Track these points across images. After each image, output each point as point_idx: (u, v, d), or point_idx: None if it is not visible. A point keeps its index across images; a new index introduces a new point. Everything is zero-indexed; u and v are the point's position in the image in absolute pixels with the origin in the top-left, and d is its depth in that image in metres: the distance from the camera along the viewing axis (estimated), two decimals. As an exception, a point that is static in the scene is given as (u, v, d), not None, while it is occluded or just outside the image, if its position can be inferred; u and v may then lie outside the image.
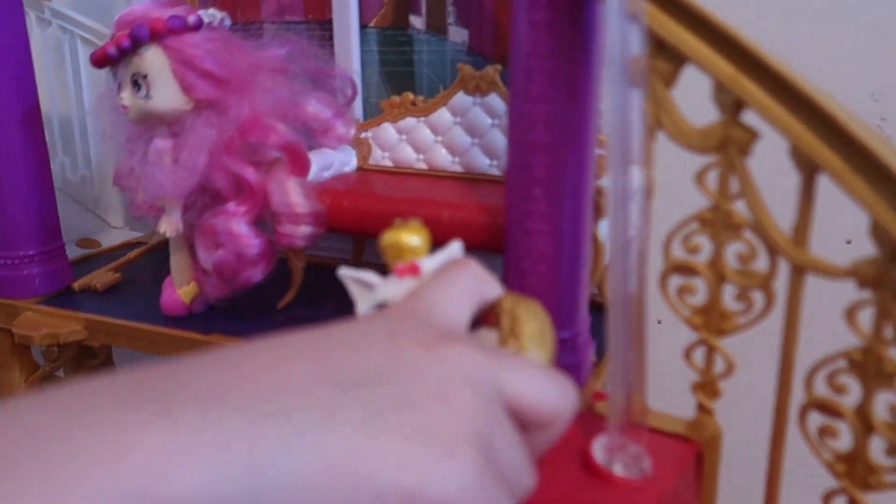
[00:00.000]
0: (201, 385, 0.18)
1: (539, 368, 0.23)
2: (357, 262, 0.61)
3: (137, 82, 0.44)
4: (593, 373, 0.41)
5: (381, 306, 0.26)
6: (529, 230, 0.37)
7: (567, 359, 0.39)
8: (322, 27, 0.61)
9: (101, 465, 0.16)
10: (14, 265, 0.55)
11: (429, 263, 0.27)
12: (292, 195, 0.46)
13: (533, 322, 0.25)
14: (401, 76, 0.59)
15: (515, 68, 0.35)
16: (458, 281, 0.24)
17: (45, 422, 0.16)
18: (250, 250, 0.46)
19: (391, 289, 0.26)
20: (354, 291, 0.27)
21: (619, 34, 0.28)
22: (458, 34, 0.57)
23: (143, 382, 0.18)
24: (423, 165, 0.56)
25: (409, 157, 0.57)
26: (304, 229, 0.47)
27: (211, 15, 0.45)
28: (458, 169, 0.55)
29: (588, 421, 0.37)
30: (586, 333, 0.40)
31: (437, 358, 0.20)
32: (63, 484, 0.15)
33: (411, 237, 0.27)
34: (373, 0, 0.58)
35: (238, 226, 0.46)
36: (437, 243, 0.46)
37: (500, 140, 0.53)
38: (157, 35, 0.43)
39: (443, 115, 0.54)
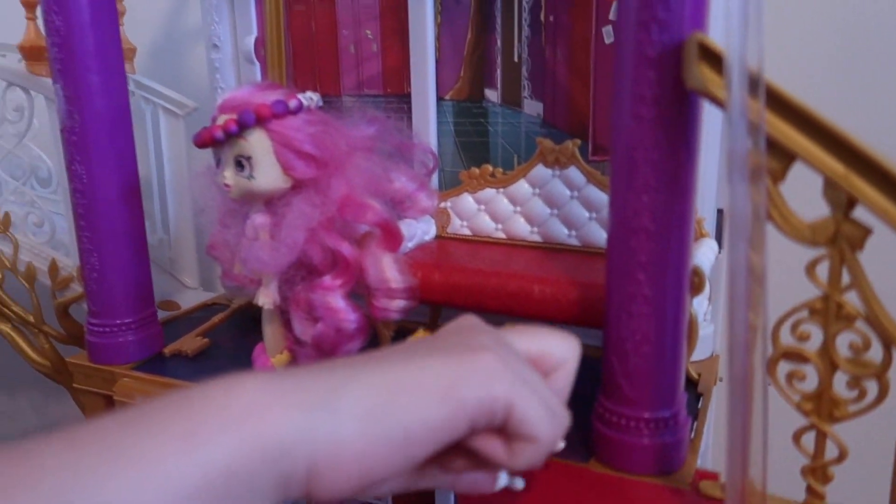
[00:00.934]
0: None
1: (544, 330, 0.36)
2: (434, 326, 0.63)
3: (241, 163, 0.47)
4: (690, 449, 0.42)
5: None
6: (632, 312, 0.38)
7: (668, 437, 0.39)
8: (400, 100, 0.63)
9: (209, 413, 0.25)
10: (111, 333, 0.57)
11: None
12: (387, 270, 0.48)
13: None
14: (476, 147, 0.62)
15: (618, 158, 0.37)
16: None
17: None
18: (348, 325, 0.48)
19: None
20: None
21: (737, 133, 0.29)
22: (532, 107, 0.59)
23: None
24: (501, 235, 0.58)
25: (488, 226, 0.58)
26: (399, 303, 0.48)
27: (309, 98, 0.48)
28: (537, 238, 0.57)
29: (692, 500, 0.38)
30: (684, 411, 0.41)
31: (482, 358, 0.30)
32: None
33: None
34: (449, 74, 0.61)
35: (335, 300, 0.48)
36: (528, 317, 0.48)
37: (579, 212, 0.55)
38: (262, 120, 0.45)
39: (521, 187, 0.56)
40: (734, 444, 0.32)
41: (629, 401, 0.39)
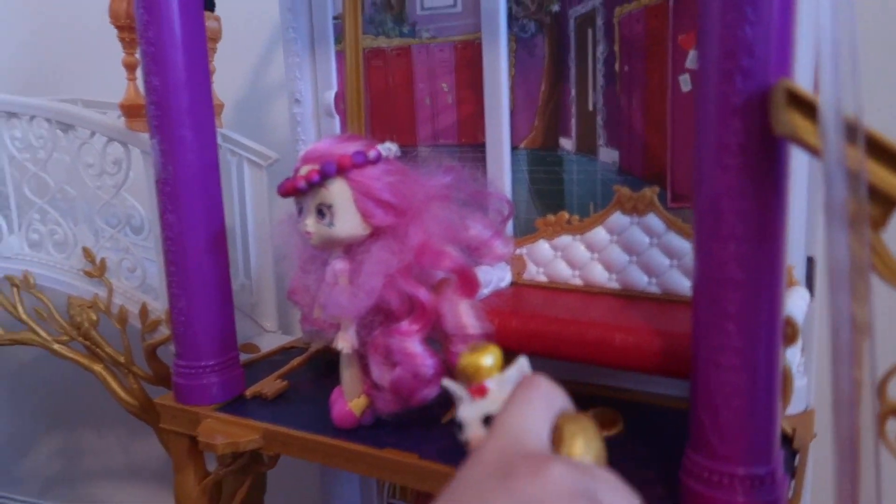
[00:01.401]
0: None
1: (622, 484, 0.28)
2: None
3: (322, 211, 0.48)
4: (786, 509, 0.40)
5: (459, 425, 0.34)
6: (721, 365, 0.37)
7: (765, 496, 0.38)
8: (474, 150, 0.64)
9: None
10: (196, 374, 0.59)
11: (495, 383, 0.33)
12: (464, 316, 0.48)
13: (581, 437, 0.29)
14: (550, 194, 0.62)
15: (702, 207, 0.37)
16: (533, 400, 0.29)
17: None
18: (426, 370, 0.48)
19: (465, 409, 0.34)
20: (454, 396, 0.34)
21: (834, 181, 0.29)
22: (608, 155, 0.59)
23: None
24: (578, 281, 0.58)
25: (565, 273, 0.58)
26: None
27: (387, 149, 0.49)
28: (615, 286, 0.56)
29: (789, 564, 0.36)
30: (781, 469, 0.39)
31: (545, 481, 0.24)
32: None
33: (485, 357, 0.33)
34: (523, 124, 0.62)
35: (413, 345, 0.48)
36: (607, 367, 0.47)
37: (659, 259, 0.54)
38: (343, 170, 0.47)
39: (599, 234, 0.56)
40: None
41: (721, 457, 0.38)
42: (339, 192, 0.48)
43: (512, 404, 0.29)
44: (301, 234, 0.51)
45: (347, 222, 0.48)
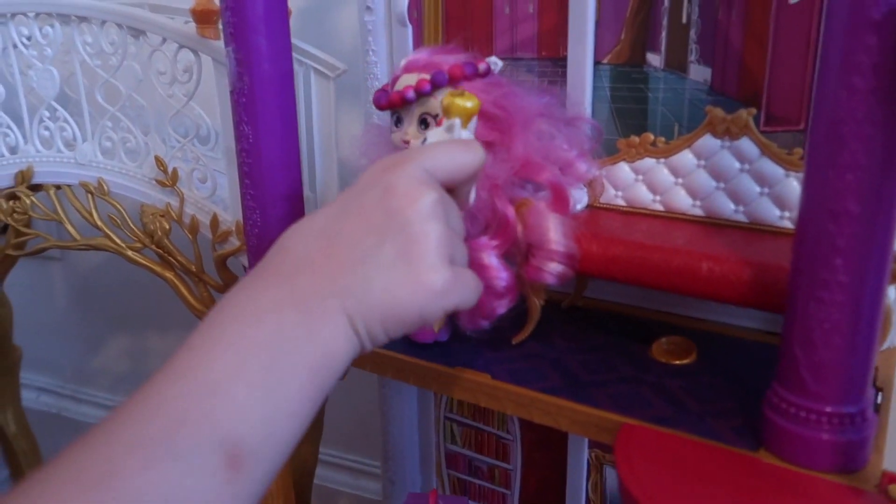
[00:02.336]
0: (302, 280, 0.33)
1: (448, 144, 0.41)
2: (578, 298, 0.61)
3: (426, 121, 0.47)
4: (875, 449, 0.39)
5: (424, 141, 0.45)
6: (824, 300, 0.35)
7: (853, 434, 0.37)
8: (555, 63, 0.61)
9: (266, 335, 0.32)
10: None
11: (447, 125, 0.44)
12: (552, 231, 0.47)
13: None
14: (633, 114, 0.59)
15: (819, 132, 0.34)
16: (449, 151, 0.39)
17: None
18: (499, 282, 0.47)
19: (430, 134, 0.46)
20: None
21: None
22: (699, 72, 0.55)
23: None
24: (658, 207, 0.56)
25: (645, 197, 0.56)
26: (556, 266, 0.47)
27: (494, 63, 0.47)
28: (699, 212, 0.54)
29: (879, 502, 0.35)
30: (871, 409, 0.37)
31: (413, 202, 0.34)
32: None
33: (464, 101, 0.43)
34: (608, 37, 0.58)
35: (489, 258, 0.47)
36: (693, 295, 0.46)
37: (749, 186, 0.51)
38: (453, 80, 0.45)
39: (685, 157, 0.53)
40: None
41: (812, 394, 0.37)
42: None
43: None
44: (394, 144, 0.50)
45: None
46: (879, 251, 0.34)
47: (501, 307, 0.49)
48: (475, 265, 0.48)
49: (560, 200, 0.48)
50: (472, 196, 0.43)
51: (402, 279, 0.33)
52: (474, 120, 0.44)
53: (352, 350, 0.34)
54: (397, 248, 0.33)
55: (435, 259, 0.34)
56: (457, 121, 0.43)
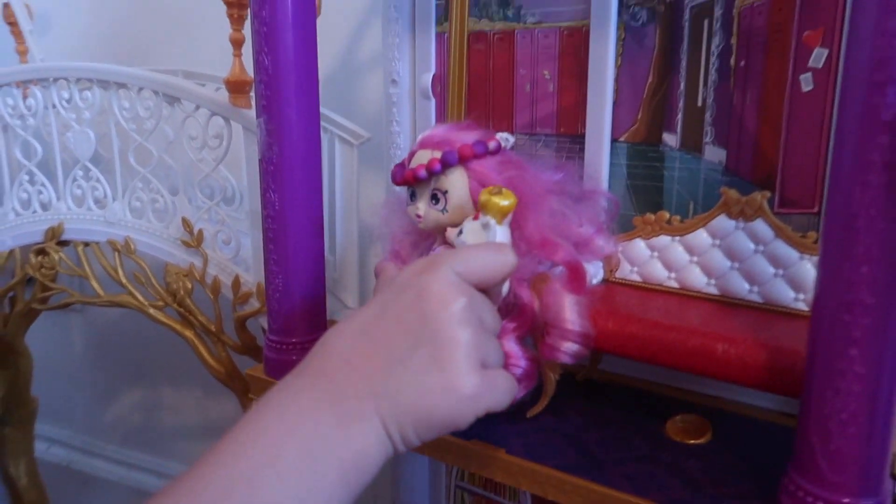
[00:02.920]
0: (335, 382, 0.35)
1: (480, 248, 0.42)
2: (593, 371, 0.62)
3: (437, 196, 0.48)
4: (895, 542, 0.38)
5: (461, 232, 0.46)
6: (840, 390, 0.35)
7: (872, 527, 0.36)
8: (572, 140, 0.63)
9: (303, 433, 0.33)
10: (287, 349, 0.61)
11: (482, 222, 0.44)
12: (567, 311, 0.47)
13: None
14: (649, 191, 0.60)
15: (834, 224, 0.35)
16: (482, 254, 0.41)
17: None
18: (516, 370, 0.48)
19: (465, 224, 0.46)
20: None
21: None
22: (714, 153, 0.57)
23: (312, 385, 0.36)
24: (673, 284, 0.56)
25: (660, 274, 0.57)
26: (571, 346, 0.48)
27: (505, 139, 0.49)
28: (713, 291, 0.54)
29: None
30: (890, 500, 0.37)
31: (445, 309, 0.35)
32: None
33: (500, 199, 0.43)
34: (625, 116, 0.60)
35: (508, 344, 0.48)
36: (708, 377, 0.46)
37: (763, 267, 0.52)
38: (464, 160, 0.47)
39: (700, 236, 0.54)
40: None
41: (828, 483, 0.37)
42: (456, 179, 0.48)
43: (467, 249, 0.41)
44: (410, 217, 0.51)
45: (461, 209, 0.49)
46: (895, 342, 0.34)
47: (520, 392, 0.50)
48: None
49: (576, 279, 0.48)
50: (505, 290, 0.45)
51: (434, 384, 0.34)
52: (510, 216, 0.45)
53: (384, 452, 0.35)
54: (430, 353, 0.35)
55: (465, 365, 0.35)
56: (492, 220, 0.44)
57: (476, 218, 0.45)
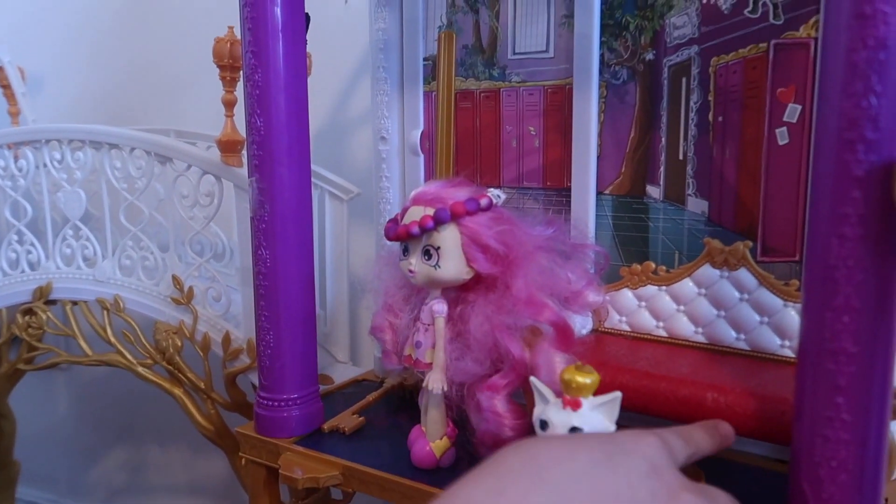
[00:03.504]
0: None
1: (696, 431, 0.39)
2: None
3: (429, 252, 0.49)
4: (891, 590, 0.38)
5: (544, 423, 0.39)
6: (829, 438, 0.36)
7: (868, 575, 0.36)
8: (559, 194, 0.65)
9: None
10: (278, 407, 0.60)
11: (589, 403, 0.39)
12: (558, 372, 0.48)
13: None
14: (635, 242, 0.61)
15: (814, 276, 0.36)
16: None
17: None
18: (507, 431, 0.48)
19: (553, 412, 0.40)
20: (536, 396, 0.40)
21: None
22: (697, 205, 0.58)
23: None
24: (662, 332, 0.57)
25: (648, 323, 0.58)
26: None
27: (496, 196, 0.50)
28: (701, 339, 0.55)
29: None
30: (885, 547, 0.37)
31: None
32: None
33: (588, 378, 0.39)
34: (610, 169, 0.62)
35: (500, 404, 0.48)
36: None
37: (748, 315, 0.53)
38: (456, 216, 0.48)
39: (686, 286, 0.55)
40: None
41: (823, 531, 0.37)
42: (449, 236, 0.49)
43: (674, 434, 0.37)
44: (402, 272, 0.52)
45: (453, 265, 0.49)
46: (880, 389, 0.35)
47: None
48: (487, 411, 0.49)
49: (564, 338, 0.49)
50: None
51: None
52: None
53: None
54: None
55: None
56: (583, 400, 0.40)
57: (570, 405, 0.40)
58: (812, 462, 0.37)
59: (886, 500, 0.48)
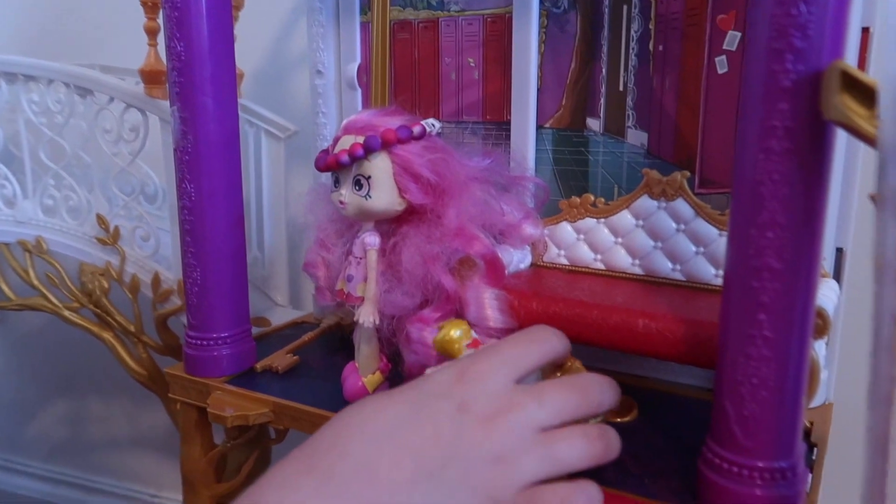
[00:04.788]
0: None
1: (579, 433, 0.33)
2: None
3: (360, 182, 0.47)
4: (809, 505, 0.39)
5: None
6: (751, 355, 0.36)
7: (784, 489, 0.37)
8: (499, 127, 0.63)
9: None
10: (208, 346, 0.59)
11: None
12: (488, 308, 0.47)
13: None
14: (575, 176, 0.60)
15: (741, 193, 0.35)
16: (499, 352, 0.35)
17: None
18: (434, 362, 0.47)
19: None
20: None
21: (891, 168, 0.27)
22: (636, 137, 0.58)
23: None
24: (600, 265, 0.57)
25: (587, 256, 0.57)
26: (494, 342, 0.47)
27: (430, 125, 0.48)
28: (638, 271, 0.55)
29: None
30: (803, 463, 0.38)
31: (493, 432, 0.29)
32: None
33: (453, 331, 0.40)
34: (550, 102, 0.61)
35: (431, 337, 0.47)
36: (630, 352, 0.46)
37: (685, 245, 0.52)
38: (387, 144, 0.46)
39: (624, 218, 0.55)
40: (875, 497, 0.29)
41: (743, 449, 0.37)
42: (380, 165, 0.47)
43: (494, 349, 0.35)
44: (333, 204, 0.50)
45: (385, 195, 0.48)
46: (802, 306, 0.35)
47: None
48: (416, 343, 0.48)
49: (494, 272, 0.48)
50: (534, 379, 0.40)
51: None
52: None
53: None
54: (465, 474, 0.29)
55: (508, 491, 0.30)
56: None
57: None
58: (734, 381, 0.37)
59: (812, 423, 0.50)
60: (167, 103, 0.69)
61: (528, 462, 0.31)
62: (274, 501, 0.28)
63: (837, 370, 0.54)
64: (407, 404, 0.32)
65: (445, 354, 0.39)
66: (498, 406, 0.31)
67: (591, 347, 0.48)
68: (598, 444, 0.33)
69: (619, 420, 0.51)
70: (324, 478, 0.29)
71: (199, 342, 0.59)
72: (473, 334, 0.43)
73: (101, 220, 0.73)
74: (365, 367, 0.53)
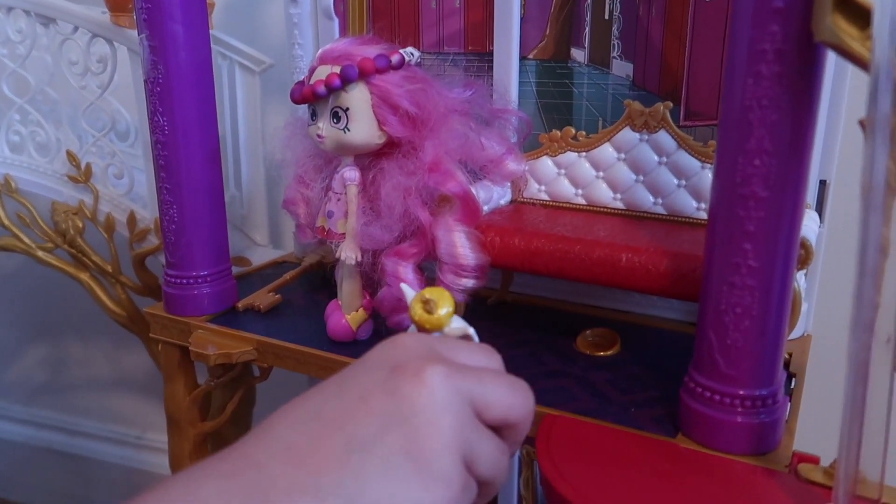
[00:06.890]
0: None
1: (503, 379, 0.30)
2: (504, 293, 0.61)
3: (338, 114, 0.46)
4: (786, 431, 0.40)
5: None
6: (735, 284, 0.36)
7: (764, 416, 0.37)
8: (481, 58, 0.61)
9: None
10: (187, 285, 0.58)
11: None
12: (459, 245, 0.47)
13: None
14: (558, 108, 0.59)
15: (728, 119, 0.35)
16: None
17: None
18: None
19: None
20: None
21: (882, 92, 0.27)
22: (621, 68, 0.56)
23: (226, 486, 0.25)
24: (581, 200, 0.56)
25: (567, 191, 0.56)
26: (467, 282, 0.47)
27: (409, 54, 0.46)
28: (620, 206, 0.54)
29: (789, 482, 0.36)
30: (782, 391, 0.38)
31: (424, 387, 0.27)
32: None
33: (435, 316, 0.33)
34: (533, 32, 0.59)
35: (405, 271, 0.47)
36: (613, 286, 0.46)
37: (667, 178, 0.52)
38: (365, 74, 0.44)
39: (605, 151, 0.54)
40: (850, 429, 0.30)
41: (725, 377, 0.37)
42: (358, 96, 0.46)
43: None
44: (309, 139, 0.49)
45: (364, 128, 0.46)
46: (787, 235, 0.35)
47: (407, 321, 0.48)
48: (391, 276, 0.47)
49: (468, 210, 0.47)
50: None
51: (403, 479, 0.26)
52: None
53: None
54: (401, 441, 0.27)
55: (446, 460, 0.27)
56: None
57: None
58: (718, 309, 0.37)
59: (791, 354, 0.50)
60: (135, 32, 0.66)
61: (474, 435, 0.29)
62: (181, 482, 0.25)
63: (816, 303, 0.55)
64: (335, 382, 0.29)
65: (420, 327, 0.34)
66: (427, 362, 0.28)
67: (575, 283, 0.48)
68: (524, 394, 0.31)
69: (602, 354, 0.51)
70: (237, 461, 0.27)
71: (178, 281, 0.58)
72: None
73: (71, 157, 0.71)
74: (348, 305, 0.52)
